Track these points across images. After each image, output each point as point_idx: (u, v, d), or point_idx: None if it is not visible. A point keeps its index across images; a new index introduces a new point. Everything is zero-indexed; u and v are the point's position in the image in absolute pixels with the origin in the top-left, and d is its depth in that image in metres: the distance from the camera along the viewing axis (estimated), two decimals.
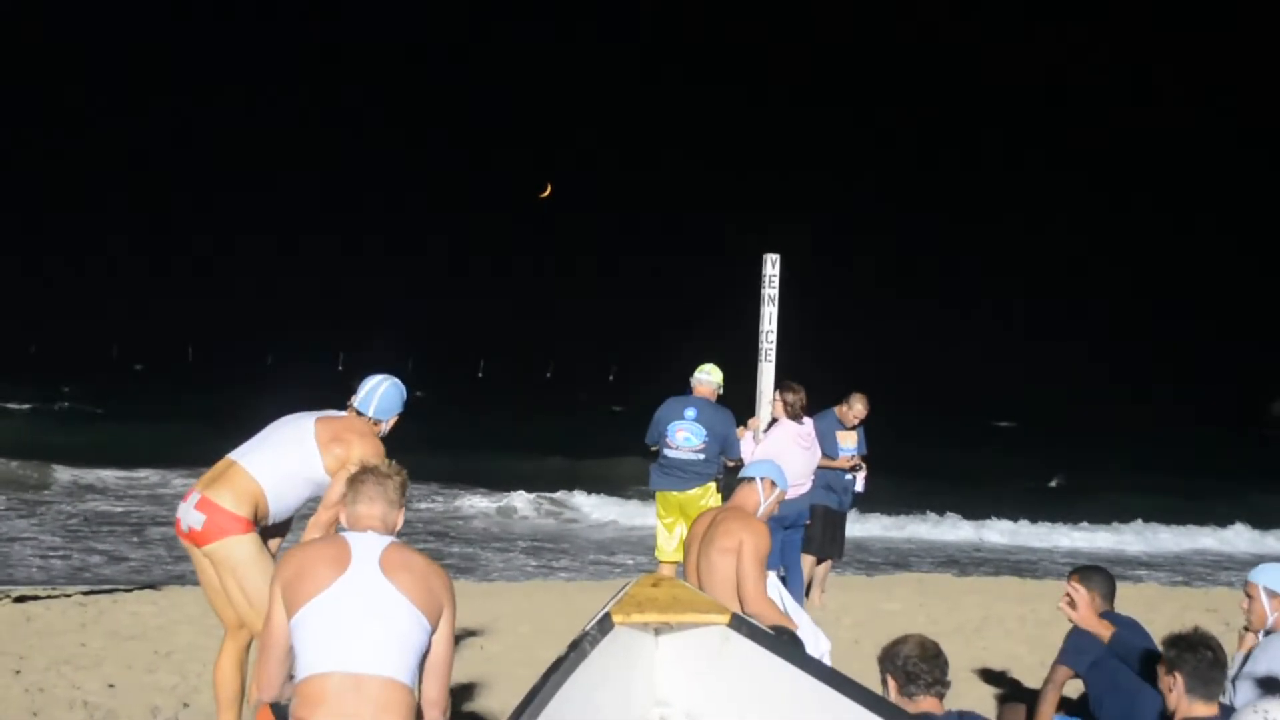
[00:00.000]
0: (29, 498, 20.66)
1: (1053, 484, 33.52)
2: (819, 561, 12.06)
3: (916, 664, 5.03)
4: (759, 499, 7.53)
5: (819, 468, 11.34)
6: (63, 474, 22.96)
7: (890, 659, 5.14)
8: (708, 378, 10.81)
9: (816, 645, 7.03)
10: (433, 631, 4.45)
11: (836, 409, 11.96)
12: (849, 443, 11.91)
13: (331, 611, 4.33)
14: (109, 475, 23.29)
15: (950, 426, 48.60)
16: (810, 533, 11.51)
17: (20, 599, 10.84)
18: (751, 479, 7.64)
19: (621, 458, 26.08)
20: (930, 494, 26.17)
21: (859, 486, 12.06)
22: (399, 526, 4.70)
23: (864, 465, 11.97)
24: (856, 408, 11.93)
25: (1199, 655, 5.14)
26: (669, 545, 10.51)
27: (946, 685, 5.11)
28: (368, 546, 4.49)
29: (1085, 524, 23.66)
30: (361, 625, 4.32)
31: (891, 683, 5.13)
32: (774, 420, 11.09)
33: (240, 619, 6.31)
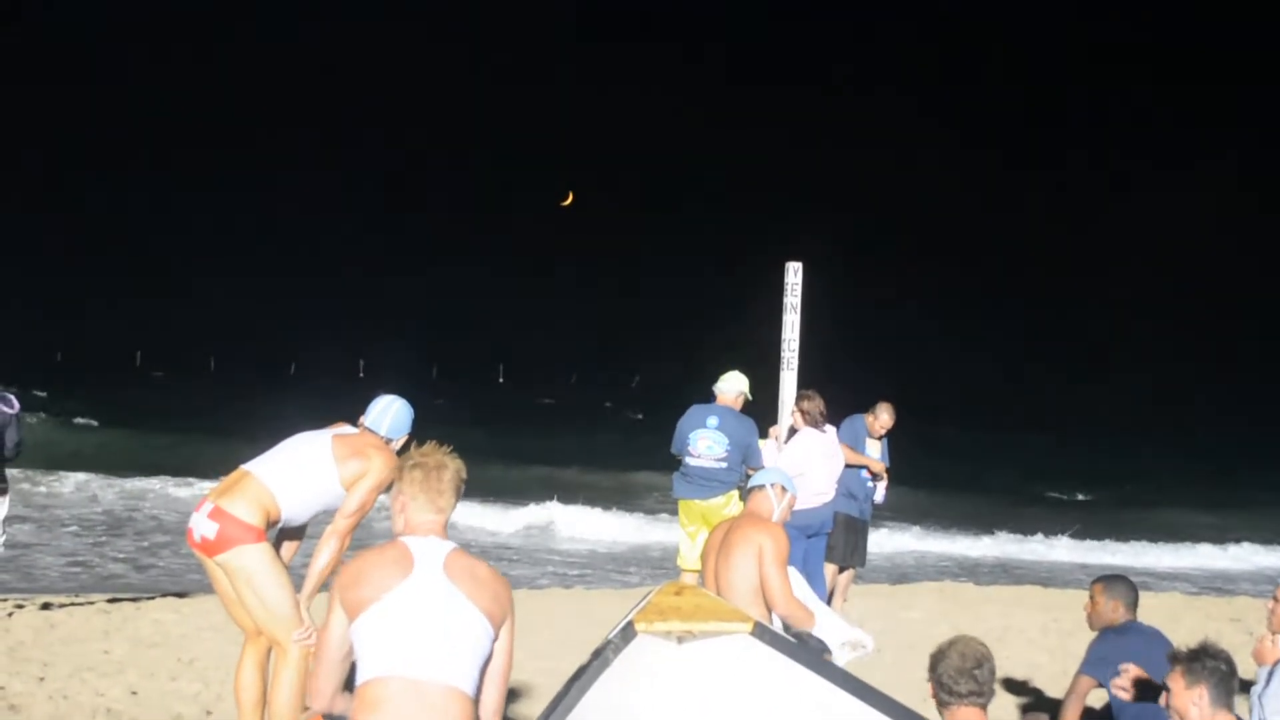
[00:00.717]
0: (50, 504, 20.73)
1: (1080, 496, 33.31)
2: (841, 570, 12.01)
3: (953, 676, 5.00)
4: (771, 505, 7.55)
5: (846, 465, 11.29)
6: (84, 481, 23.05)
7: (932, 665, 5.11)
8: (729, 386, 10.80)
9: (849, 637, 7.06)
10: (495, 639, 4.37)
11: (865, 416, 11.87)
12: (873, 452, 11.84)
13: (394, 616, 4.26)
14: (130, 483, 23.37)
15: (979, 436, 48.20)
16: (832, 541, 11.47)
17: (44, 606, 10.87)
18: (761, 486, 7.67)
19: (637, 472, 26.15)
20: (953, 504, 26.11)
21: (879, 497, 11.99)
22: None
23: (885, 476, 11.92)
24: (883, 418, 11.82)
25: (1219, 666, 5.13)
26: (692, 554, 10.46)
27: (987, 695, 5.04)
28: (430, 552, 4.41)
29: (1110, 540, 23.48)
30: (425, 630, 4.25)
31: (930, 689, 5.10)
32: (794, 430, 11.09)
33: (258, 626, 6.35)
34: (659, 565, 17.76)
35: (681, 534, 10.78)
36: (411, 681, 4.19)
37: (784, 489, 7.61)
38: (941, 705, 5.03)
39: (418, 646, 4.23)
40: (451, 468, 4.60)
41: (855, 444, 11.62)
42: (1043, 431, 52.21)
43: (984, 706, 5.02)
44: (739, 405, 10.79)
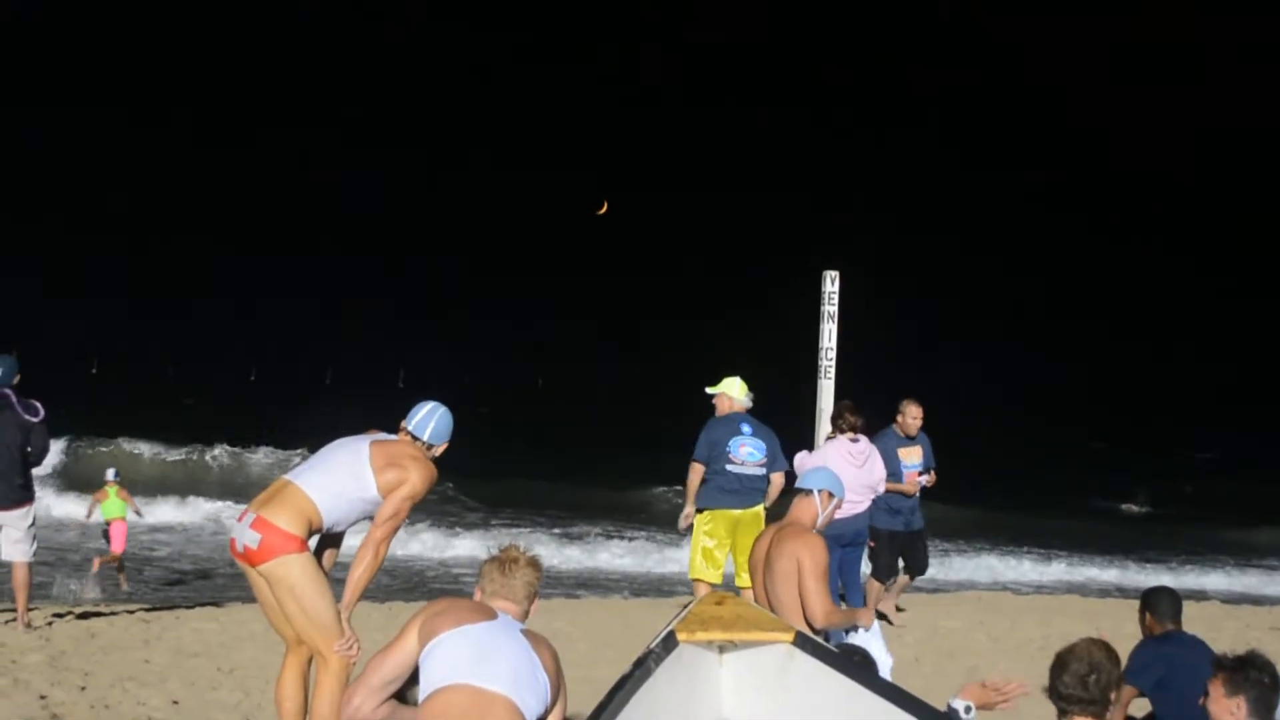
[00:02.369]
0: (90, 516, 20.84)
1: (1128, 506, 32.91)
2: (887, 583, 11.94)
3: (1068, 684, 4.98)
4: (817, 511, 7.53)
5: (887, 490, 11.24)
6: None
7: (1051, 673, 5.10)
8: (740, 393, 10.67)
9: (881, 661, 7.01)
10: (551, 703, 4.62)
11: (894, 424, 11.81)
12: (914, 458, 11.71)
13: (473, 639, 4.53)
14: (168, 495, 23.51)
15: (1036, 445, 47.54)
16: (873, 557, 11.45)
17: (84, 615, 10.94)
18: (809, 491, 7.63)
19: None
20: (1000, 516, 25.97)
21: (924, 480, 11.84)
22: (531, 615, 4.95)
23: (932, 474, 11.81)
24: (911, 410, 11.72)
25: (1262, 679, 5.09)
26: (710, 565, 10.37)
27: (1104, 704, 5.00)
28: (509, 618, 4.74)
29: (1152, 554, 23.29)
30: (499, 656, 4.50)
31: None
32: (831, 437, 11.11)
33: (300, 636, 6.36)
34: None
35: (699, 545, 10.49)
36: (480, 690, 4.40)
37: (831, 495, 7.59)
38: (1060, 714, 5.02)
39: (490, 664, 4.46)
40: (524, 566, 4.94)
41: (891, 455, 11.48)
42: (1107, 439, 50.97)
43: (1099, 715, 4.98)
44: (733, 410, 10.68)
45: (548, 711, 4.59)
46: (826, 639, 6.87)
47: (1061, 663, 4.96)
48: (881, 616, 11.51)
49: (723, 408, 10.62)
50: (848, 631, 7.24)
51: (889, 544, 11.60)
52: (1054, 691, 4.97)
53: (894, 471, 11.46)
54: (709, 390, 10.71)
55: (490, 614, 4.66)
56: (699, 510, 10.49)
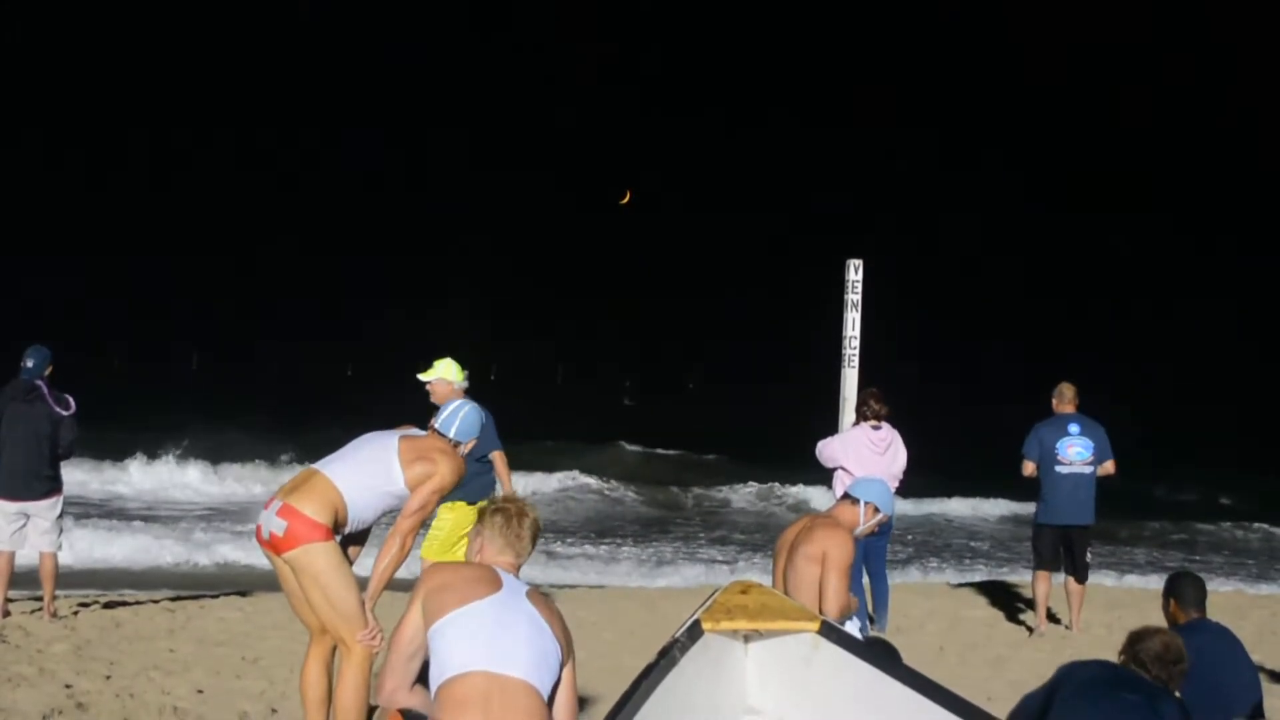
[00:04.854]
0: (118, 504, 20.95)
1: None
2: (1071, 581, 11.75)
3: (1151, 659, 5.01)
4: (859, 519, 7.57)
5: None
6: (150, 479, 23.32)
7: (1132, 640, 5.12)
8: (458, 378, 9.75)
9: None
10: (561, 669, 4.59)
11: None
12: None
13: (482, 620, 4.50)
14: (194, 482, 23.60)
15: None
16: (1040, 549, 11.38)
17: (109, 605, 10.98)
18: (856, 500, 7.66)
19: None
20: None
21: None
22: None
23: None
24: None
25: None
26: None
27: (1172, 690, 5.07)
28: (513, 580, 4.72)
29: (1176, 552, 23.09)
30: (511, 635, 4.48)
31: (1121, 659, 5.11)
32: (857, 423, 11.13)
33: (324, 625, 6.38)
34: None
35: None
36: (496, 676, 4.39)
37: (876, 509, 7.63)
38: None
39: (504, 647, 4.44)
40: (531, 517, 4.96)
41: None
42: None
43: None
44: (452, 394, 9.47)
45: (561, 672, 4.59)
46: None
47: (1147, 635, 5.04)
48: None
49: (440, 392, 9.65)
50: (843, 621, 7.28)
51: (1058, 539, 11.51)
52: (1133, 658, 5.02)
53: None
54: (421, 377, 9.76)
55: (495, 583, 4.63)
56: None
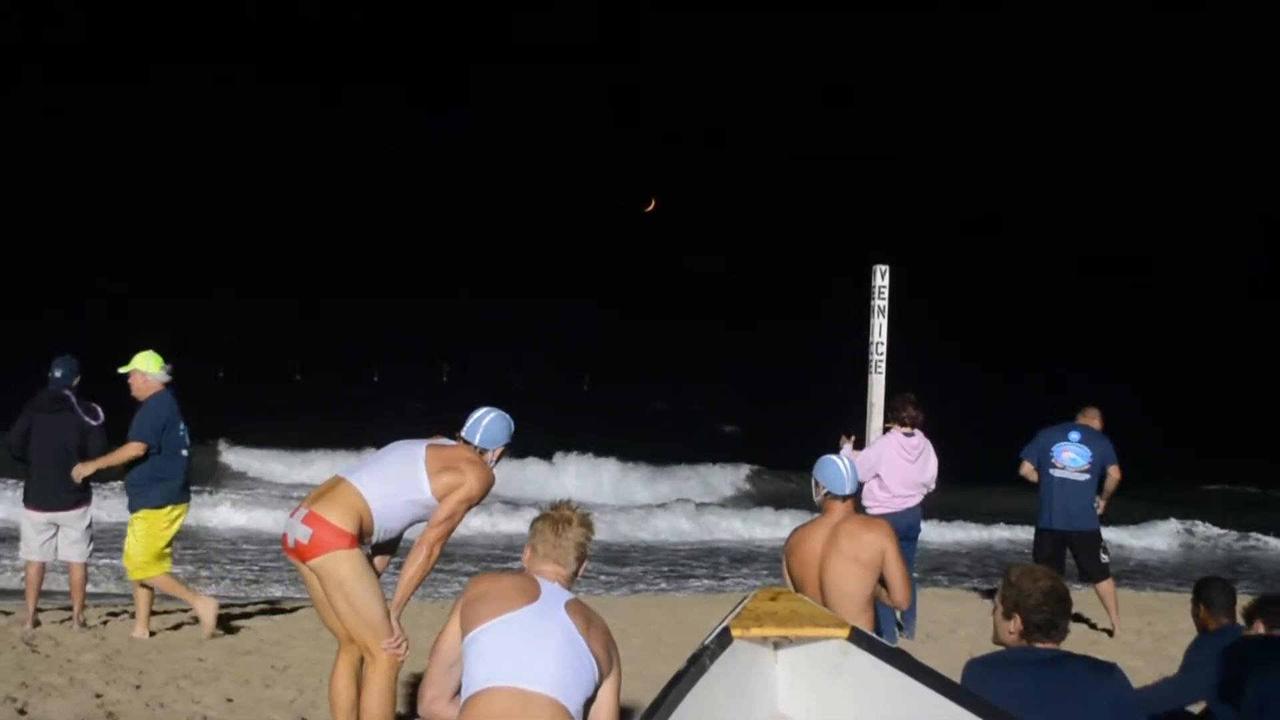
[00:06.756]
0: None
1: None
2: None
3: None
4: (851, 510, 7.45)
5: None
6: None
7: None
8: (157, 370, 9.78)
9: None
10: (599, 684, 4.56)
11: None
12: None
13: (513, 633, 4.45)
14: (221, 492, 23.66)
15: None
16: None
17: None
18: (836, 497, 7.55)
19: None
20: None
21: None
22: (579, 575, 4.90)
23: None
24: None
25: None
26: None
27: (1064, 633, 5.14)
28: (554, 591, 4.66)
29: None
30: (541, 650, 4.43)
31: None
32: (888, 429, 11.10)
33: (349, 633, 6.38)
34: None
35: None
36: (520, 692, 4.33)
37: (819, 484, 7.54)
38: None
39: (532, 662, 4.39)
40: (576, 526, 4.85)
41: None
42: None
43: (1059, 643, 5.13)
44: (147, 387, 9.78)
45: (597, 689, 4.54)
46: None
47: (1026, 581, 5.08)
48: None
49: (138, 386, 9.75)
50: None
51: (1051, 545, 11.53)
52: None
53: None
54: (121, 370, 9.75)
55: (533, 593, 4.58)
56: None
